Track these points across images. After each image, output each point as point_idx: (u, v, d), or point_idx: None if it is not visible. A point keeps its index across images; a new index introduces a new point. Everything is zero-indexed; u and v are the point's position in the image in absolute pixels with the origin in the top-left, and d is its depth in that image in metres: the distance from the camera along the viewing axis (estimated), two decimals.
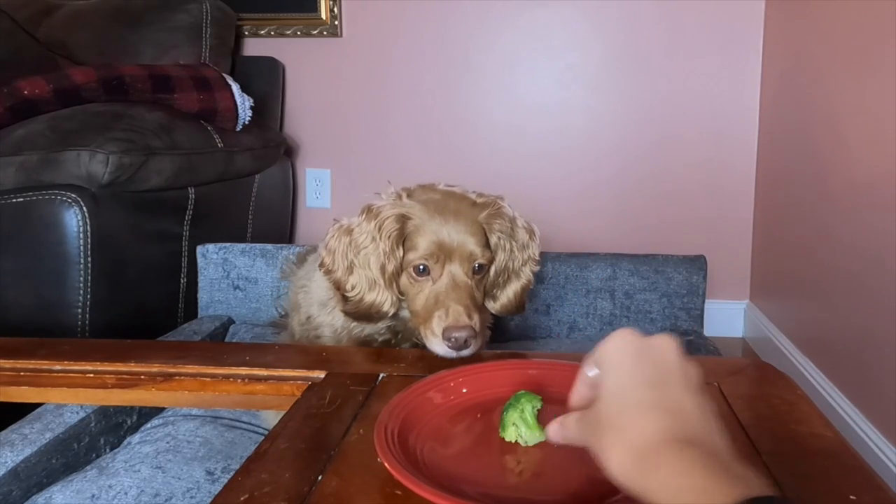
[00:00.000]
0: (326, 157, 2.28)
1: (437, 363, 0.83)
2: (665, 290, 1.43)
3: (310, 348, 1.00)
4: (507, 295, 0.90)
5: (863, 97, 1.41)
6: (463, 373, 0.71)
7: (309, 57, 2.22)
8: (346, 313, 0.89)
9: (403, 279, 0.85)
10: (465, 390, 0.69)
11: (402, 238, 0.84)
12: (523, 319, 1.46)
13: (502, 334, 1.47)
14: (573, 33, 2.11)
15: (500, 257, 0.87)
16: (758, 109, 2.06)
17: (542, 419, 0.62)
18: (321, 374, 0.81)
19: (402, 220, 0.84)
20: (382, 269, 0.84)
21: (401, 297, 0.87)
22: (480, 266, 0.84)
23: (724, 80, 2.06)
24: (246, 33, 2.21)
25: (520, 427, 0.61)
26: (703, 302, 1.44)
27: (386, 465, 0.54)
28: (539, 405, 0.62)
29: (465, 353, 0.79)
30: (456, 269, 0.82)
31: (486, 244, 0.85)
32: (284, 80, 2.22)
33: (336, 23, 2.17)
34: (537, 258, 0.92)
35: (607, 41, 2.10)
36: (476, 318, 0.79)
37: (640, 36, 2.08)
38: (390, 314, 0.87)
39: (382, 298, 0.85)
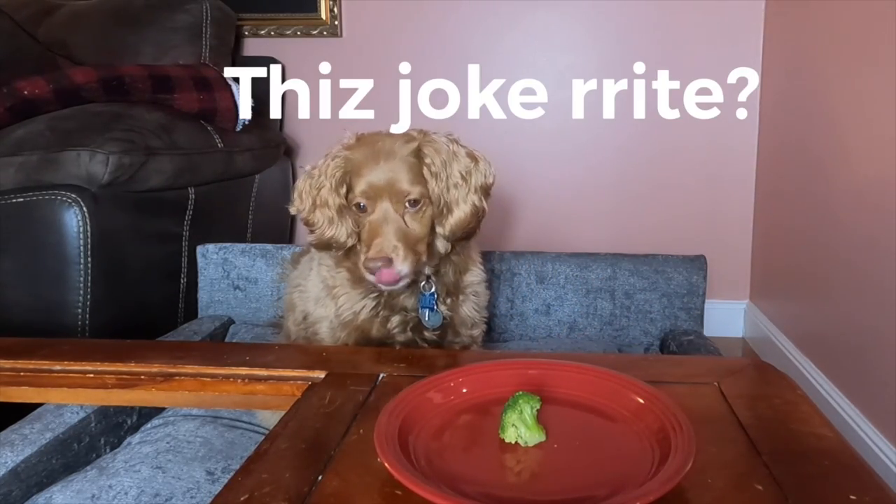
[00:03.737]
0: None
1: (437, 363, 0.83)
2: (665, 290, 1.43)
3: (310, 348, 1.00)
4: (451, 222, 0.93)
5: (863, 97, 1.41)
6: (463, 373, 0.71)
7: (309, 57, 2.21)
8: (312, 245, 0.98)
9: (354, 215, 0.94)
10: (465, 390, 0.69)
11: (346, 178, 0.92)
12: (523, 319, 1.46)
13: (502, 334, 1.47)
14: (573, 33, 2.11)
15: (434, 185, 0.91)
16: (758, 110, 2.06)
17: (541, 419, 0.62)
18: (321, 374, 0.81)
19: (347, 161, 0.93)
20: (332, 204, 0.93)
21: (356, 229, 0.94)
22: (414, 201, 0.90)
23: (724, 80, 2.06)
24: (246, 33, 2.21)
25: (519, 428, 0.61)
26: (703, 302, 1.44)
27: (386, 465, 0.55)
28: (538, 406, 0.62)
29: (394, 286, 0.88)
30: (387, 206, 0.90)
31: (420, 179, 0.90)
32: (284, 80, 2.21)
33: (336, 23, 2.17)
34: (488, 185, 0.96)
35: (607, 41, 2.10)
36: (400, 248, 0.87)
37: (640, 36, 2.08)
38: (348, 245, 0.95)
39: (339, 233, 0.94)
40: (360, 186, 0.90)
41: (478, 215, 0.95)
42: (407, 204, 0.90)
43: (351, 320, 0.98)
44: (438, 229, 0.94)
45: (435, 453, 0.60)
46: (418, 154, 0.91)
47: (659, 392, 0.65)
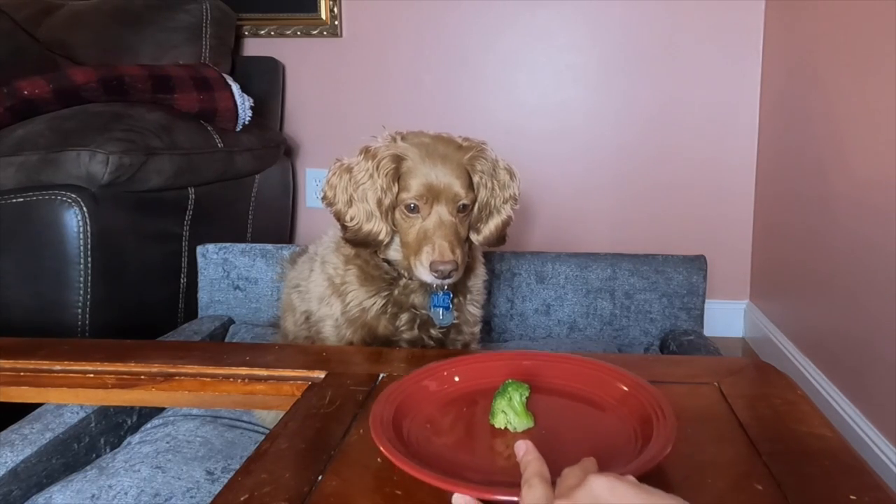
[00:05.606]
0: (326, 157, 2.25)
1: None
2: (665, 290, 1.43)
3: (310, 348, 1.00)
4: (489, 228, 0.99)
5: (863, 97, 1.41)
6: (457, 363, 0.74)
7: (309, 57, 2.22)
8: (347, 240, 0.97)
9: (397, 214, 0.94)
10: (457, 378, 0.72)
11: (398, 176, 0.92)
12: (523, 319, 1.46)
13: (502, 334, 1.47)
14: (573, 33, 2.11)
15: (482, 194, 0.95)
16: (758, 109, 2.06)
17: (530, 407, 0.65)
18: (321, 374, 0.81)
19: (398, 160, 0.92)
20: (379, 202, 0.92)
21: (394, 229, 0.95)
22: (464, 206, 0.93)
23: (724, 80, 2.06)
24: (246, 33, 2.21)
25: (508, 414, 0.64)
26: (703, 302, 1.44)
27: (381, 448, 0.56)
28: (527, 393, 0.65)
29: (448, 281, 0.90)
30: (442, 209, 0.91)
31: (470, 185, 0.93)
32: (284, 80, 2.22)
33: (336, 23, 2.17)
34: (517, 196, 1.01)
35: (607, 41, 2.10)
36: (458, 252, 0.89)
37: (641, 36, 2.08)
38: (385, 242, 0.95)
39: (378, 228, 0.93)
40: (416, 188, 0.90)
41: (508, 223, 1.00)
42: (459, 208, 0.92)
43: (359, 317, 0.99)
44: (473, 235, 0.98)
45: (427, 437, 0.63)
46: (471, 161, 0.93)
47: (642, 380, 0.67)
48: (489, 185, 0.95)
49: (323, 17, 2.16)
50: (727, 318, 2.13)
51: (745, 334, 2.14)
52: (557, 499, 0.44)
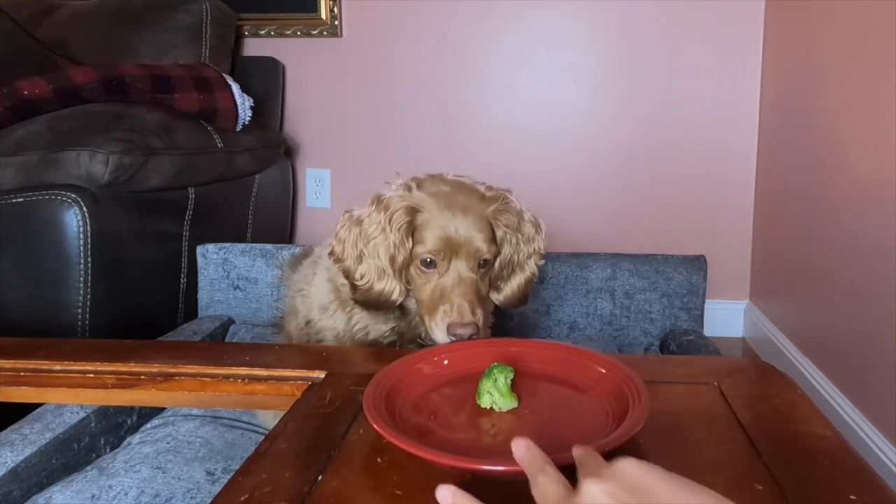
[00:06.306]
0: (326, 157, 2.28)
1: None
2: (665, 290, 1.43)
3: (310, 348, 1.00)
4: (511, 287, 0.92)
5: (863, 97, 1.41)
6: (448, 349, 0.77)
7: (309, 57, 2.22)
8: (356, 301, 0.90)
9: (411, 270, 0.87)
10: (446, 362, 0.75)
11: (412, 229, 0.85)
12: (523, 319, 1.46)
13: (502, 335, 1.47)
14: (573, 33, 2.11)
15: (506, 250, 0.88)
16: (758, 110, 2.06)
17: (515, 390, 0.68)
18: (321, 374, 0.81)
19: (412, 212, 0.85)
20: (392, 259, 0.85)
21: (408, 286, 0.88)
22: (486, 261, 0.86)
23: (724, 80, 2.06)
24: (246, 33, 2.21)
25: (493, 394, 0.66)
26: (703, 302, 1.44)
27: (374, 426, 0.59)
28: (511, 375, 0.67)
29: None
30: (461, 265, 0.84)
31: (493, 238, 0.87)
32: (284, 80, 2.22)
33: (336, 23, 2.17)
34: (542, 252, 0.94)
35: (607, 41, 2.10)
36: (479, 313, 0.82)
37: (640, 36, 2.08)
38: (398, 302, 0.88)
39: (391, 288, 0.86)
40: (433, 241, 0.83)
41: (532, 281, 0.93)
42: (479, 263, 0.85)
43: (363, 340, 0.95)
44: (493, 294, 0.91)
45: (417, 415, 0.66)
46: (495, 214, 0.87)
47: (619, 363, 0.70)
48: (513, 240, 0.88)
49: (323, 17, 2.16)
50: (727, 318, 2.13)
51: (745, 334, 2.14)
52: (588, 477, 0.42)
